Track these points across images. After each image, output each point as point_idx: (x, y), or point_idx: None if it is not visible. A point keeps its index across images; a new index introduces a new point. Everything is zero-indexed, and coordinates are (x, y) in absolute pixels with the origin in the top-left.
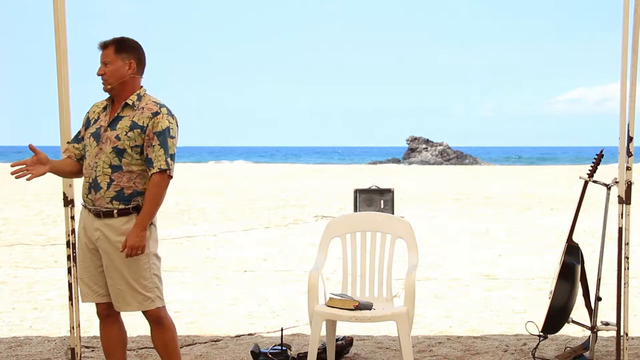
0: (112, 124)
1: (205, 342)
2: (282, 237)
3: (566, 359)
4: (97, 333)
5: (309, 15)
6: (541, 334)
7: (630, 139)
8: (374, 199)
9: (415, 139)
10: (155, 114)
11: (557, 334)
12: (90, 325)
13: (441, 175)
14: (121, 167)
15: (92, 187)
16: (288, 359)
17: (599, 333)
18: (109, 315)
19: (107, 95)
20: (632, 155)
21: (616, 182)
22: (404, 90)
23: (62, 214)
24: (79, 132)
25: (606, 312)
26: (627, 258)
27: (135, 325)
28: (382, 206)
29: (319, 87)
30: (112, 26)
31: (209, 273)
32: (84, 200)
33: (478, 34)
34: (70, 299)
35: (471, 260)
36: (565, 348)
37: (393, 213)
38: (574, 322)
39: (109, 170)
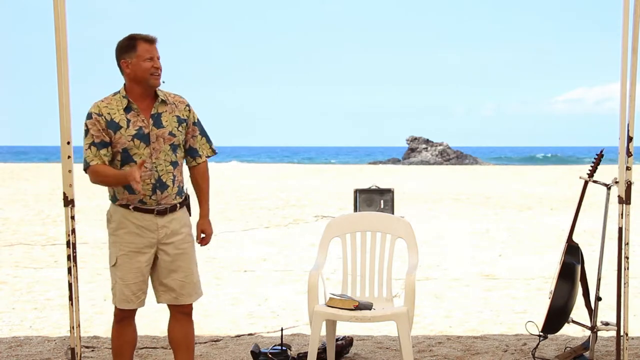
0: (157, 122)
1: (205, 342)
2: (282, 237)
3: (566, 359)
4: (97, 333)
5: (309, 16)
6: (541, 334)
7: (630, 139)
8: (374, 199)
9: (415, 139)
10: (188, 105)
11: (557, 334)
12: (90, 325)
13: (441, 175)
14: (177, 163)
15: (157, 187)
16: (288, 359)
17: (599, 333)
18: (125, 317)
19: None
20: (632, 155)
21: (616, 182)
22: (405, 90)
23: (62, 214)
24: (101, 136)
25: (606, 312)
26: (627, 258)
27: (136, 325)
28: (382, 206)
29: (319, 87)
30: (112, 26)
31: (209, 273)
32: (143, 203)
33: (478, 34)
34: (70, 299)
35: (471, 260)
36: (565, 348)
37: (393, 213)
38: (574, 322)
39: (171, 167)
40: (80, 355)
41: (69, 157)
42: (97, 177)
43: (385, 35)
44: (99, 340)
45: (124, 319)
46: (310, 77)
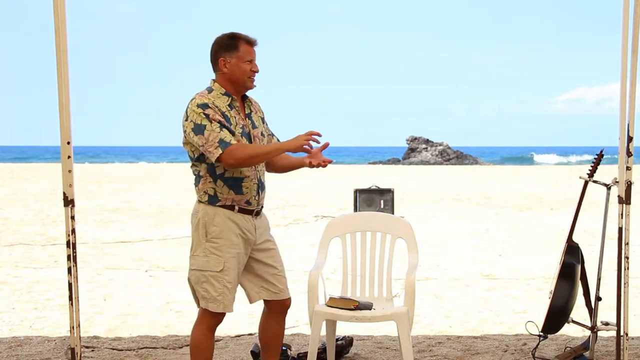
0: (252, 122)
1: None
2: (282, 237)
3: (566, 359)
4: (97, 333)
5: (309, 16)
6: (541, 334)
7: (630, 139)
8: (374, 199)
9: (415, 139)
10: (259, 105)
11: (557, 334)
12: (90, 325)
13: (441, 175)
14: (265, 164)
15: (260, 187)
16: (288, 359)
17: (599, 333)
18: (218, 323)
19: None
20: (632, 155)
21: (616, 182)
22: (404, 90)
23: (62, 214)
24: (226, 124)
25: (606, 312)
26: (627, 258)
27: (136, 325)
28: (382, 206)
29: (319, 87)
30: (112, 26)
31: None
32: (248, 203)
33: (478, 34)
34: (70, 299)
35: (471, 260)
36: (565, 348)
37: (393, 213)
38: (574, 322)
39: (264, 168)
40: (80, 355)
41: (69, 157)
42: (247, 152)
43: (385, 35)
44: (99, 340)
45: (216, 325)
46: (310, 77)
